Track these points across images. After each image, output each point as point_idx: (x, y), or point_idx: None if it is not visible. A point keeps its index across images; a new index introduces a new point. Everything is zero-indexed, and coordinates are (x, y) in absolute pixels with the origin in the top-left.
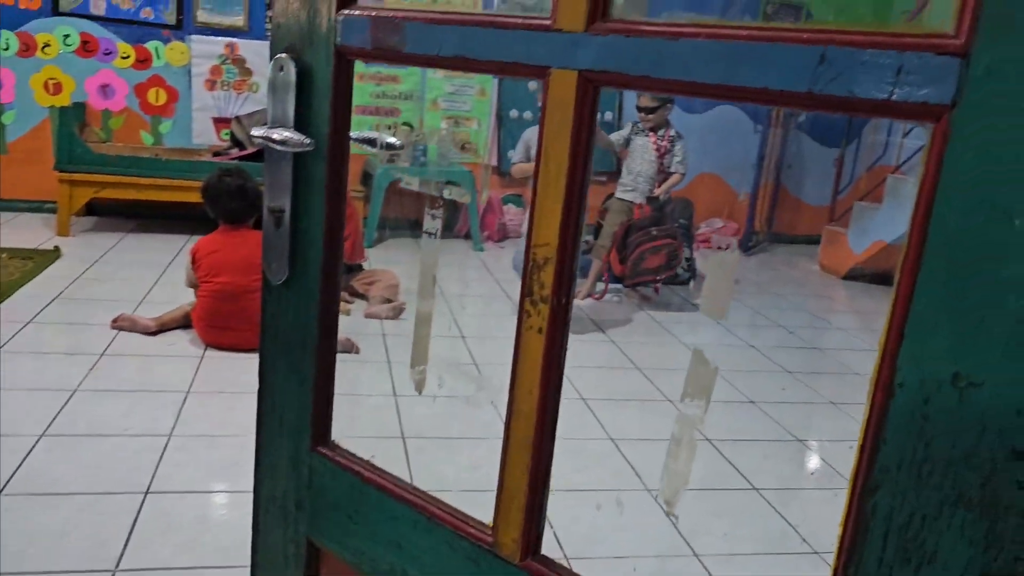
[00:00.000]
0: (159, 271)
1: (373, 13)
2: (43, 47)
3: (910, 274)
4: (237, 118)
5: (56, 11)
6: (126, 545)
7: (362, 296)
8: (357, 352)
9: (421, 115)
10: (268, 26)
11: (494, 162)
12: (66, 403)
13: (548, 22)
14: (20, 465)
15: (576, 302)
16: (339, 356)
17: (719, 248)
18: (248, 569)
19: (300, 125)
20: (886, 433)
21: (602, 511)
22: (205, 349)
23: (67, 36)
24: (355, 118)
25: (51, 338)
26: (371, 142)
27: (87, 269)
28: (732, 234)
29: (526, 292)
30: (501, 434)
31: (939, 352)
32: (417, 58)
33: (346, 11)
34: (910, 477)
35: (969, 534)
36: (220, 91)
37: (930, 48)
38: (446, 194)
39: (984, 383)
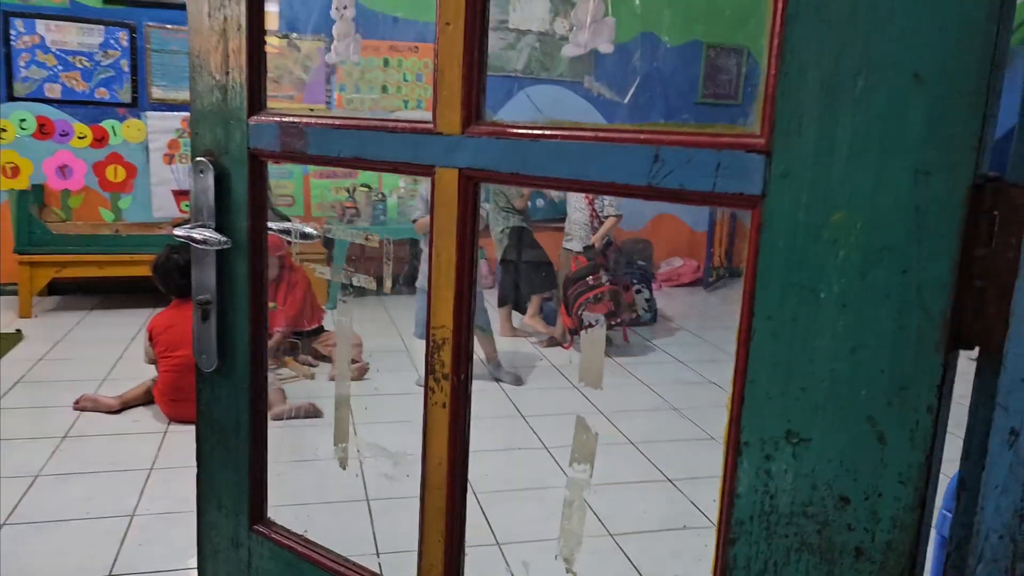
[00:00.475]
0: (123, 346)
1: (280, 119)
2: None
3: (744, 345)
4: None
5: (11, 97)
6: None
7: (326, 358)
8: (321, 416)
9: (379, 175)
10: None
11: None
12: (28, 489)
13: (431, 126)
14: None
15: (542, 350)
16: (303, 421)
17: (589, 325)
18: None
19: (220, 223)
20: (739, 489)
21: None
22: (168, 424)
23: (23, 120)
24: (313, 181)
25: (13, 423)
26: (287, 232)
27: (50, 350)
28: (692, 271)
29: (429, 370)
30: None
31: (773, 414)
32: (320, 159)
33: (256, 117)
34: (761, 528)
35: None
36: (178, 164)
37: (741, 147)
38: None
39: (812, 439)
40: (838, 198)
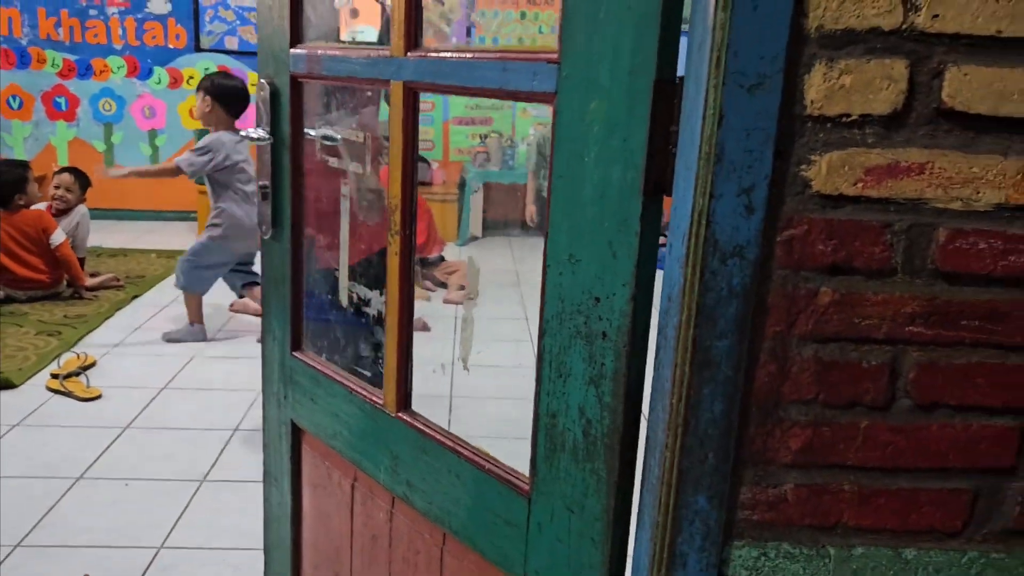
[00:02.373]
0: None
1: (307, 50)
2: (187, 79)
3: (550, 193)
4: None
5: (198, 48)
6: (211, 467)
7: (443, 284)
8: (429, 331)
9: (512, 122)
10: None
11: None
12: (186, 365)
13: (388, 52)
14: (141, 411)
15: None
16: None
17: None
18: None
19: (273, 127)
20: (546, 296)
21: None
22: None
23: (207, 69)
24: (452, 127)
25: (180, 319)
26: (314, 136)
27: None
28: None
29: (388, 227)
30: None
31: (562, 242)
32: (329, 77)
33: (294, 49)
34: (556, 323)
35: (582, 355)
36: None
37: (545, 60)
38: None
39: (582, 259)
40: (593, 91)
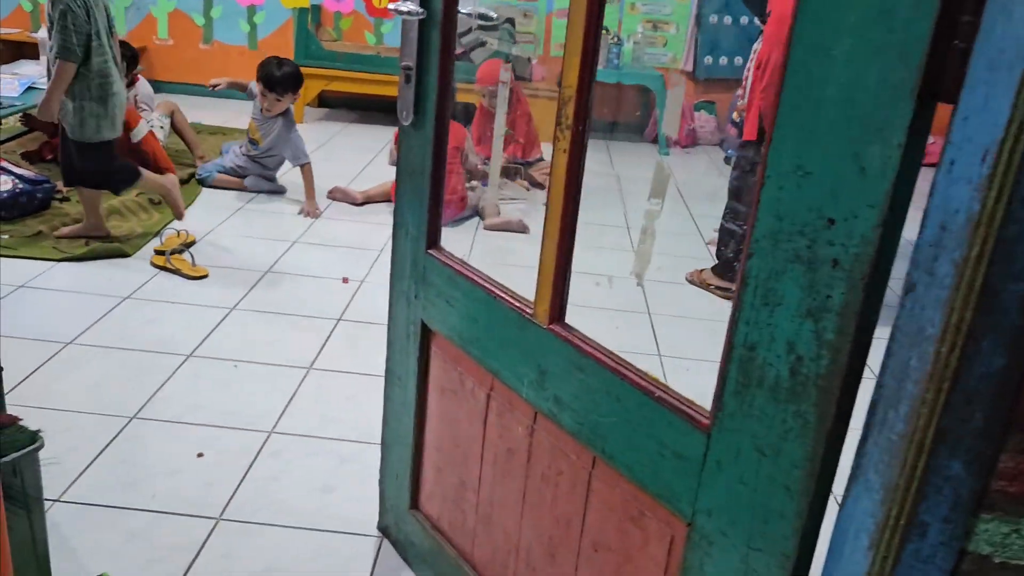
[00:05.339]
0: (372, 155)
1: None
2: None
3: (778, 92)
4: None
5: None
6: (317, 356)
7: (540, 185)
8: (527, 232)
9: (619, 18)
10: None
11: (689, 67)
12: (287, 251)
13: None
14: (246, 294)
15: None
16: (512, 235)
17: None
18: None
19: (423, 2)
20: (760, 213)
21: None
22: None
23: None
24: (555, 20)
25: (281, 204)
26: (469, 15)
27: (315, 150)
28: None
29: (557, 122)
30: None
31: (787, 151)
32: None
33: None
34: (769, 244)
35: (800, 283)
36: None
37: None
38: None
39: (812, 172)
40: None
